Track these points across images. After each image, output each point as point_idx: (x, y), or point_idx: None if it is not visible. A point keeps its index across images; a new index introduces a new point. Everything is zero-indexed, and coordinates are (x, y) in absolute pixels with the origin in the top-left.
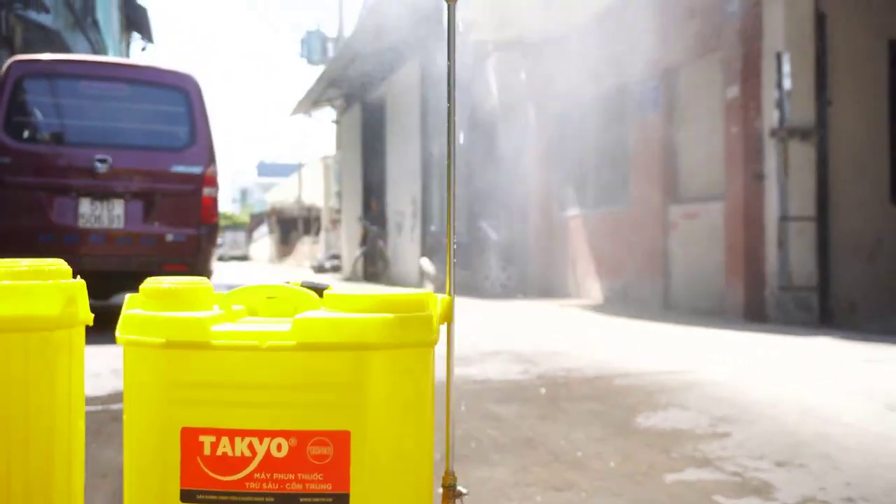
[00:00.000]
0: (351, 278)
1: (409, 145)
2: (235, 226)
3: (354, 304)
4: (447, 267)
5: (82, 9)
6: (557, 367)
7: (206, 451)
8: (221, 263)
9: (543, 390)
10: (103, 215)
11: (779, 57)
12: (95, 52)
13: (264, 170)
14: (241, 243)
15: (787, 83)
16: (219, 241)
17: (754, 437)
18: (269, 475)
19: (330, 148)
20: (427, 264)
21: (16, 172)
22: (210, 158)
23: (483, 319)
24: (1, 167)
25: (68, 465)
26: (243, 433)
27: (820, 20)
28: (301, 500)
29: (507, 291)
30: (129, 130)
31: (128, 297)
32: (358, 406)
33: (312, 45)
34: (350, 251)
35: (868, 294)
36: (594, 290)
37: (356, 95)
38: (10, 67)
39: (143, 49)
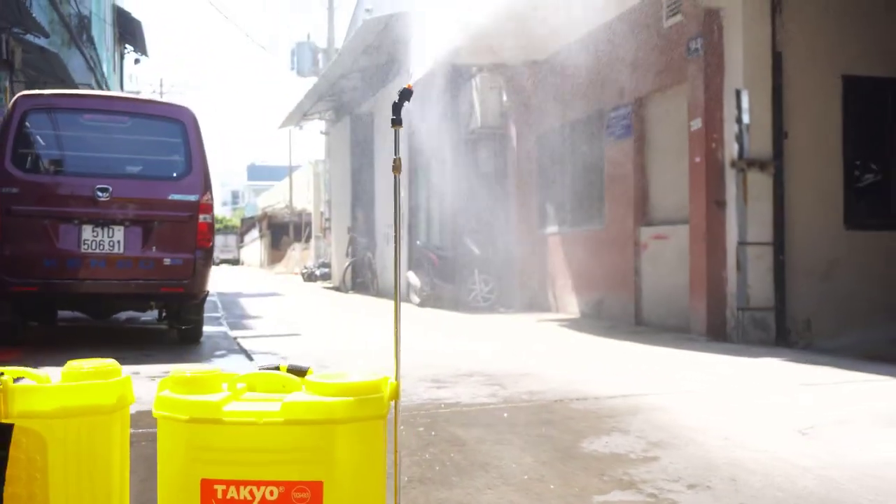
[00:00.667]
0: (340, 287)
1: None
2: (226, 229)
3: (326, 389)
4: (395, 349)
5: (78, 26)
6: (523, 390)
7: (219, 495)
8: (213, 267)
9: (506, 415)
10: (104, 241)
11: (738, 93)
12: (91, 68)
13: (255, 172)
14: (233, 247)
15: (746, 117)
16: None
17: (678, 462)
18: None
19: (320, 152)
20: (413, 278)
21: (22, 202)
22: (205, 186)
23: (462, 336)
24: (8, 197)
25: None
26: (245, 483)
27: (777, 58)
28: None
29: (490, 305)
30: (129, 161)
31: (159, 382)
32: (328, 463)
33: (303, 57)
34: (339, 260)
35: (824, 312)
36: (571, 304)
37: (345, 108)
38: (16, 102)
39: (137, 62)
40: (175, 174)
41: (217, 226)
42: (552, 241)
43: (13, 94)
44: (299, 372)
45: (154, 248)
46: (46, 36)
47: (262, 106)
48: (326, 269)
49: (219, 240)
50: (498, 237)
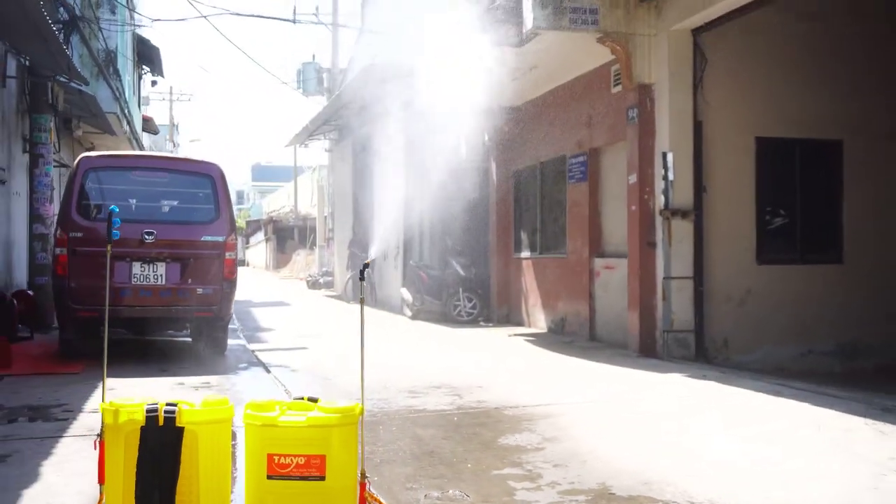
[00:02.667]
0: (342, 297)
1: (393, 184)
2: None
3: (327, 410)
4: (360, 380)
5: (105, 60)
6: (475, 399)
7: (275, 461)
8: None
9: (456, 419)
10: (150, 275)
11: (664, 155)
12: (116, 98)
13: (259, 173)
14: (239, 248)
15: (671, 175)
16: None
17: (555, 451)
18: (299, 471)
19: (323, 157)
20: (406, 294)
21: (85, 244)
22: (231, 229)
23: (442, 349)
24: (74, 240)
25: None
26: (287, 455)
27: (697, 126)
28: (312, 480)
29: (473, 318)
30: (169, 209)
31: (244, 405)
32: (328, 446)
33: (308, 77)
34: (341, 269)
35: (739, 332)
36: (540, 320)
37: (347, 130)
38: (79, 163)
39: (154, 83)
40: (206, 219)
41: None
42: (525, 264)
43: (57, 133)
44: (314, 399)
45: (189, 279)
46: (87, 84)
47: (268, 106)
48: (330, 278)
49: None
50: (480, 259)
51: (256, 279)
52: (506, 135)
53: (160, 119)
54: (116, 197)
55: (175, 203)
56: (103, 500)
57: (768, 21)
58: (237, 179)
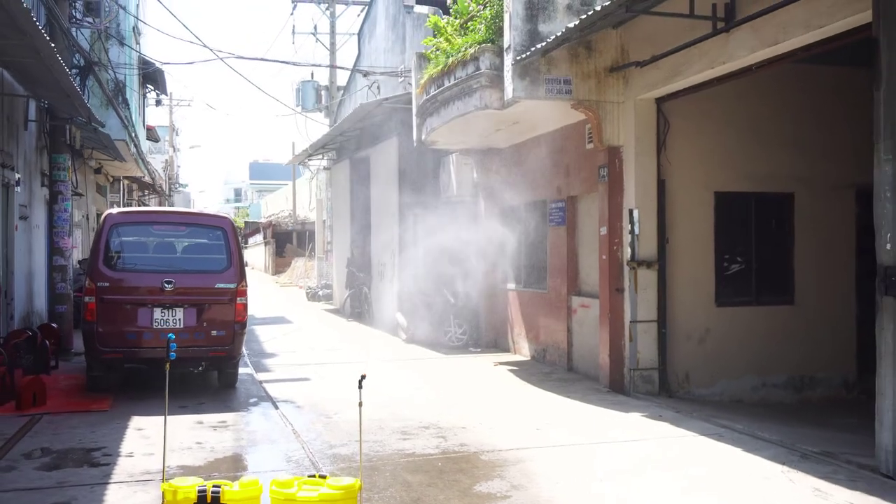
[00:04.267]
0: (341, 311)
1: (388, 210)
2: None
3: (334, 486)
4: (359, 464)
5: (114, 90)
6: (458, 443)
7: None
8: None
9: (440, 464)
10: (169, 319)
11: (630, 212)
12: (125, 126)
13: (257, 171)
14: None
15: (636, 229)
16: None
17: (520, 499)
18: None
19: (321, 160)
20: (402, 319)
21: (111, 292)
22: (241, 276)
23: (432, 381)
24: (101, 289)
25: None
26: None
27: (661, 185)
28: None
29: (463, 344)
30: (187, 259)
31: (271, 481)
32: None
33: (306, 95)
34: (340, 286)
35: (700, 368)
36: (524, 348)
37: (345, 153)
38: (105, 219)
39: (159, 103)
40: (219, 268)
41: None
42: (511, 295)
43: (75, 171)
44: (323, 476)
45: (205, 323)
46: (103, 126)
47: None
48: (329, 290)
49: None
50: (470, 288)
51: (257, 286)
52: (493, 174)
53: (159, 121)
54: (138, 250)
55: (191, 254)
56: None
57: (724, 87)
58: (235, 177)
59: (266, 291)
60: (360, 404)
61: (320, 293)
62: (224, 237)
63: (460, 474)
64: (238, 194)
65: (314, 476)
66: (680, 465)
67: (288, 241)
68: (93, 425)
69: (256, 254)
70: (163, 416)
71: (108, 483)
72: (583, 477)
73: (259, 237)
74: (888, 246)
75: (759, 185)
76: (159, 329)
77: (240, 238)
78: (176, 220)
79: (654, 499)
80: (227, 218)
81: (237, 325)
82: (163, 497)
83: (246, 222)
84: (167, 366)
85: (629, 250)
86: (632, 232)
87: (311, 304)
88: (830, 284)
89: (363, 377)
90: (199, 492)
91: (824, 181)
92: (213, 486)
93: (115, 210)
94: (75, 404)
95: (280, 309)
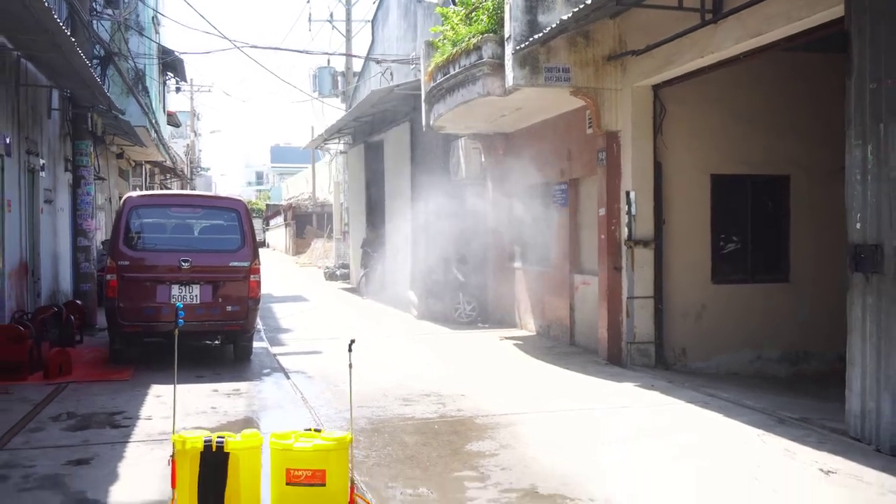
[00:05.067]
0: (356, 290)
1: (401, 192)
2: (253, 212)
3: (328, 439)
4: (350, 415)
5: (134, 79)
6: (456, 408)
7: (292, 473)
8: None
9: (436, 426)
10: (187, 295)
11: (628, 194)
12: (145, 112)
13: (278, 154)
14: (259, 230)
15: (633, 210)
16: None
17: (507, 458)
18: (307, 480)
19: (339, 143)
20: (413, 296)
21: (132, 271)
22: (254, 255)
23: (438, 354)
24: (122, 267)
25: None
26: (299, 469)
27: (657, 167)
28: (316, 486)
29: (472, 320)
30: (202, 239)
31: (271, 436)
32: (327, 463)
33: (323, 80)
34: (356, 265)
35: (696, 343)
36: (530, 324)
37: (360, 136)
38: (125, 201)
39: (178, 90)
40: (233, 248)
41: None
42: (518, 273)
43: (97, 157)
44: (318, 430)
45: (220, 299)
46: (123, 114)
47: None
48: (346, 270)
49: None
50: (479, 266)
51: (277, 267)
52: (500, 157)
53: (180, 107)
54: (157, 230)
55: (207, 234)
56: (175, 499)
57: (720, 74)
58: (256, 161)
59: (286, 271)
60: (350, 366)
61: (338, 273)
62: (238, 219)
63: (454, 435)
64: (259, 177)
65: (310, 430)
66: (663, 429)
67: (308, 223)
68: (114, 393)
69: (277, 235)
70: (180, 385)
71: (128, 442)
72: (568, 438)
73: (280, 219)
74: (858, 225)
75: (756, 168)
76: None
77: (254, 220)
78: (192, 203)
79: (630, 455)
80: (240, 200)
81: (251, 301)
82: (173, 446)
83: (267, 205)
84: (176, 331)
85: (626, 230)
86: (629, 213)
87: (329, 284)
88: (825, 263)
89: (352, 342)
90: (206, 441)
91: (820, 164)
92: (218, 437)
93: (134, 193)
94: (98, 374)
95: (298, 288)
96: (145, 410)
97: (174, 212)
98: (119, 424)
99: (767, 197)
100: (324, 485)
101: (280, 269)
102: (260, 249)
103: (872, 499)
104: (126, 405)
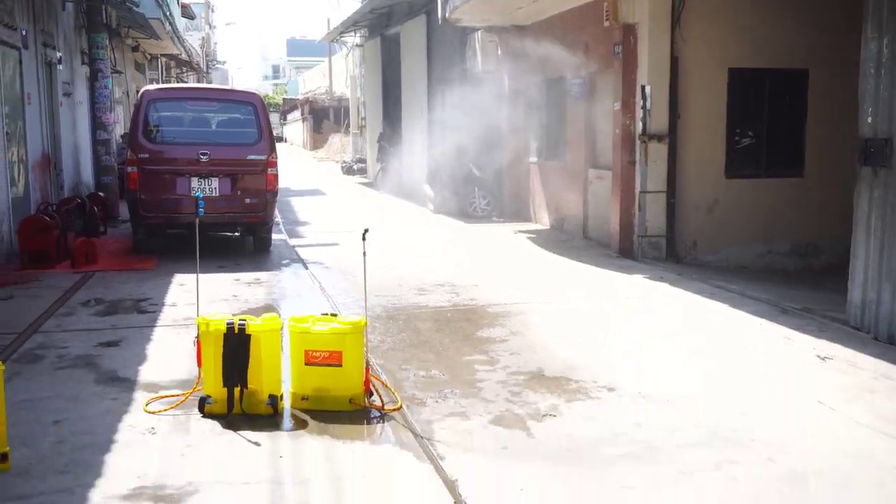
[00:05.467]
0: (373, 184)
1: (417, 86)
2: (270, 106)
3: (344, 322)
4: (364, 303)
5: None
6: (468, 298)
7: (310, 354)
8: None
9: (449, 314)
10: (206, 188)
11: (643, 88)
12: (159, 4)
13: (294, 48)
14: (276, 124)
15: (648, 104)
16: None
17: (516, 343)
18: (324, 361)
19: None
20: (429, 190)
21: (151, 163)
22: (271, 149)
23: (454, 247)
24: (142, 160)
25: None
26: (317, 350)
27: (674, 61)
28: (333, 367)
29: (486, 214)
30: (220, 133)
31: (290, 319)
32: (343, 345)
33: None
34: (372, 160)
35: (707, 236)
36: (545, 217)
37: (377, 29)
38: (142, 95)
39: None
40: (250, 141)
41: None
42: (533, 167)
43: (113, 50)
44: (334, 315)
45: (239, 192)
46: (136, 5)
47: None
48: (363, 164)
49: None
50: (494, 160)
51: (295, 162)
52: (516, 50)
53: None
54: (175, 124)
55: (224, 128)
56: (201, 377)
57: None
58: (272, 54)
59: (303, 166)
60: (364, 253)
61: (355, 167)
62: (254, 112)
63: (465, 323)
64: (276, 71)
65: (326, 314)
66: (668, 319)
67: (325, 118)
68: (140, 281)
69: (294, 130)
70: (202, 275)
71: (154, 326)
72: (576, 327)
73: (297, 114)
74: (869, 119)
75: (774, 62)
76: (196, 197)
77: (270, 115)
78: (208, 97)
79: (635, 343)
80: (256, 94)
81: (269, 194)
82: (197, 328)
83: (284, 99)
84: (196, 220)
85: (641, 125)
86: (644, 107)
87: (346, 178)
88: (839, 159)
89: (366, 230)
90: (228, 324)
91: (840, 59)
92: (240, 320)
93: (151, 86)
94: (123, 263)
95: (316, 182)
96: (170, 297)
97: (191, 105)
98: (145, 310)
99: (785, 91)
100: (340, 365)
101: (298, 163)
102: (277, 144)
103: (865, 382)
104: (151, 292)
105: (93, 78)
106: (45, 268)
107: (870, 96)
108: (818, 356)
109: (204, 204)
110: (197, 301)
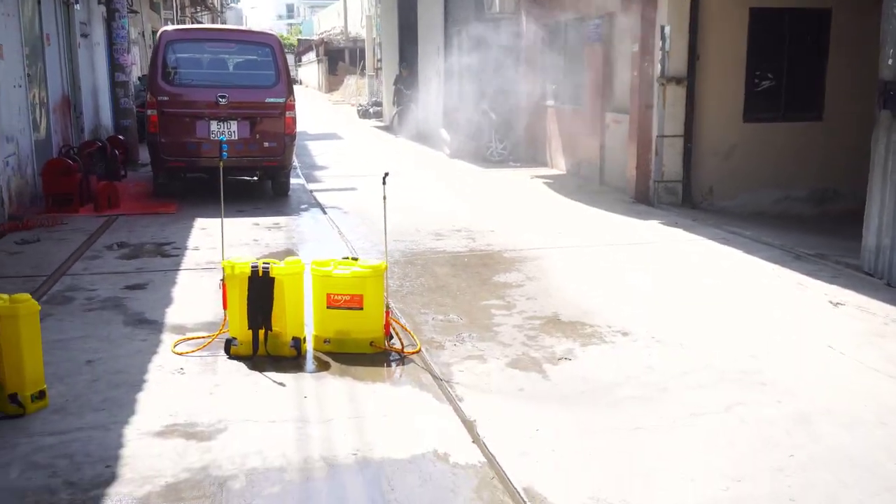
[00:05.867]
0: (389, 128)
1: (434, 27)
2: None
3: (364, 266)
4: (385, 248)
5: None
6: (485, 243)
7: (332, 297)
8: None
9: (466, 259)
10: (225, 131)
11: (662, 28)
12: None
13: None
14: (291, 66)
15: (667, 46)
16: None
17: (532, 287)
18: (346, 304)
19: None
20: (445, 134)
21: (171, 105)
22: (289, 92)
23: (469, 193)
24: (162, 102)
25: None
26: (339, 294)
27: (694, 1)
28: (354, 310)
29: (503, 159)
30: (238, 75)
31: (311, 262)
32: (364, 288)
33: None
34: (388, 103)
35: (724, 182)
36: (561, 163)
37: None
38: (160, 36)
39: None
40: (268, 84)
41: None
42: (550, 112)
43: None
44: (355, 259)
45: (257, 135)
46: None
47: None
48: (379, 108)
49: None
50: (511, 104)
51: (311, 105)
52: None
53: None
54: (193, 66)
55: (242, 70)
56: (227, 319)
57: None
58: None
59: (319, 109)
60: (385, 198)
61: (371, 111)
62: (272, 54)
63: (482, 268)
64: (290, 10)
65: (347, 258)
66: (681, 264)
67: (340, 59)
68: (162, 225)
69: (309, 72)
70: (224, 219)
71: (179, 270)
72: (591, 272)
73: (312, 55)
74: (890, 62)
75: (797, 1)
76: (216, 140)
77: (288, 56)
78: (226, 38)
79: (649, 287)
80: (274, 35)
81: (287, 138)
82: (223, 271)
83: (299, 40)
84: (221, 163)
85: (659, 67)
86: (662, 48)
87: (362, 122)
88: (860, 102)
89: (386, 174)
90: (253, 267)
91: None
92: (264, 263)
93: (169, 27)
94: (146, 207)
95: (332, 126)
96: (192, 241)
97: (209, 46)
98: (169, 254)
99: (806, 32)
100: (361, 308)
101: (313, 106)
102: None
103: (876, 328)
104: (174, 236)
105: (109, 18)
106: (70, 211)
107: (891, 38)
108: (830, 302)
109: (227, 147)
110: (222, 245)
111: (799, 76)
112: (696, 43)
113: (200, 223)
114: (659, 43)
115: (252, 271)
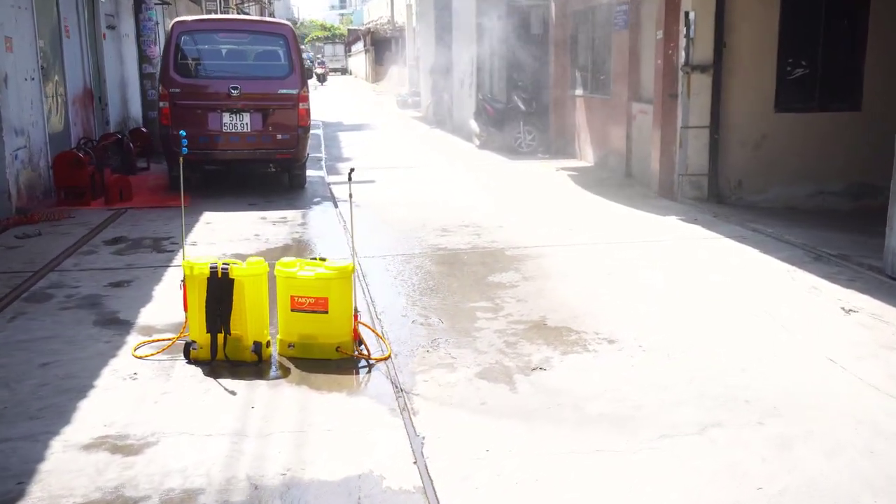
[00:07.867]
0: (425, 117)
1: (466, 19)
2: (334, 37)
3: (330, 268)
4: (350, 231)
5: None
6: (490, 240)
7: (295, 300)
8: (323, 85)
9: (465, 257)
10: (238, 123)
11: (686, 14)
12: None
13: None
14: (341, 56)
15: (692, 33)
16: (319, 56)
17: (526, 288)
18: (311, 307)
19: None
20: (474, 125)
21: (183, 98)
22: (303, 83)
23: (488, 186)
24: (174, 94)
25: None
26: (303, 296)
27: None
28: (319, 313)
29: (532, 150)
30: (251, 66)
31: (275, 264)
32: (329, 291)
33: None
34: (425, 91)
35: (753, 175)
36: (589, 154)
37: None
38: (172, 27)
39: None
40: (281, 75)
41: (325, 34)
42: (578, 101)
43: None
44: (323, 259)
45: (270, 127)
46: None
47: None
48: (417, 98)
49: (327, 49)
50: (541, 94)
51: (354, 94)
52: None
53: None
54: (206, 56)
55: (255, 61)
56: (187, 322)
57: None
58: None
59: (361, 99)
60: (350, 195)
61: (409, 101)
62: (285, 44)
63: (480, 266)
64: (342, 0)
65: (316, 259)
66: (690, 265)
67: (387, 49)
68: (168, 219)
69: (358, 62)
70: (231, 213)
71: (168, 266)
72: (591, 272)
73: (360, 45)
74: None
75: None
76: (228, 133)
77: (335, 46)
78: (239, 28)
79: (650, 291)
80: (287, 25)
81: (301, 130)
82: (182, 272)
83: (349, 30)
84: (181, 159)
85: (683, 54)
86: (687, 35)
87: (400, 112)
88: None
89: (352, 170)
90: (212, 268)
91: None
92: (223, 264)
93: (184, 18)
94: (156, 200)
95: (368, 117)
96: (192, 236)
97: (221, 37)
98: (164, 249)
99: (843, 16)
100: (326, 312)
101: (356, 96)
102: (342, 77)
103: (886, 339)
104: (176, 231)
105: (137, 10)
106: (81, 204)
107: None
108: (842, 308)
109: (187, 143)
110: (182, 241)
111: (835, 64)
112: (722, 29)
113: (207, 217)
114: (683, 29)
115: (211, 272)
